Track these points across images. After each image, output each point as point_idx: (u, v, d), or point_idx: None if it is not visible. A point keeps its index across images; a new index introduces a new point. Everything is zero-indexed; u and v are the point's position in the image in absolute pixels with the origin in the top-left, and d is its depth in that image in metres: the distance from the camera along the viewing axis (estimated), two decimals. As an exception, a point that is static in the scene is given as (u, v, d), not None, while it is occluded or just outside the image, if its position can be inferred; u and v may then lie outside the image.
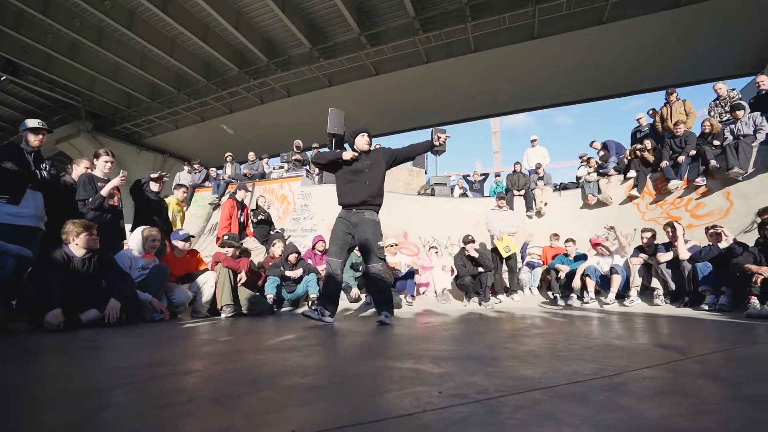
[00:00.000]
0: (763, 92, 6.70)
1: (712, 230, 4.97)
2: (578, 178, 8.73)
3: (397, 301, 5.64)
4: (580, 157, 9.33)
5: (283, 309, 5.39)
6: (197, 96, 18.41)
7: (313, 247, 6.28)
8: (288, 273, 5.36)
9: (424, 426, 0.98)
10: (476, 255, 6.05)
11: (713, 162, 6.30)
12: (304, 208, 8.22)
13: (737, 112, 6.52)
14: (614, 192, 7.84)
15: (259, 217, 6.88)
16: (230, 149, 11.38)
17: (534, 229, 8.04)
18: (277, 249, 5.66)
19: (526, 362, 1.81)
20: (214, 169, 11.07)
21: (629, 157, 7.85)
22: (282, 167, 9.59)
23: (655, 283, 5.23)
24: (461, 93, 17.95)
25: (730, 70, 14.99)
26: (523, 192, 8.59)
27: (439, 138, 3.52)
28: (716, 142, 6.53)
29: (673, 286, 5.04)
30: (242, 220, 6.25)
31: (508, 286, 6.53)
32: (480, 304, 5.96)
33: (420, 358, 1.94)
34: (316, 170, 9.63)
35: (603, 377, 1.49)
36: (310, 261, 6.03)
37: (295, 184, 8.77)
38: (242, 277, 4.57)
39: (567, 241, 6.48)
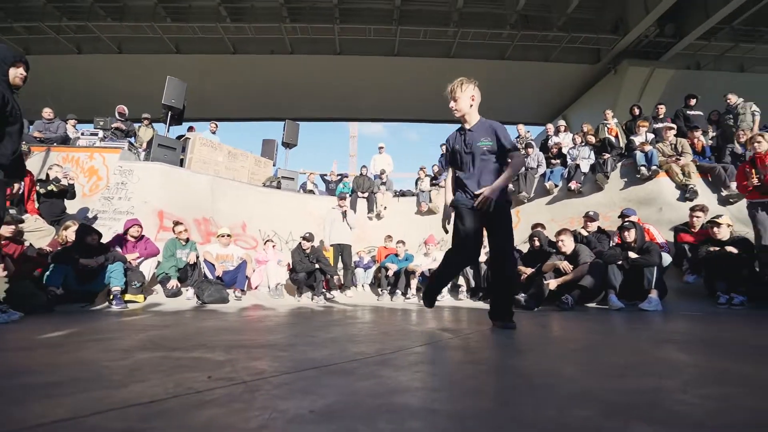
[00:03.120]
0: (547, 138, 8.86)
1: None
2: (416, 187, 9.76)
3: (224, 295, 5.25)
4: (421, 169, 10.43)
5: (72, 305, 4.38)
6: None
7: (125, 233, 5.33)
8: (84, 261, 4.39)
9: (161, 412, 0.89)
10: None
11: (510, 186, 7.86)
12: (120, 186, 6.85)
13: (529, 149, 8.30)
14: (442, 202, 9.01)
15: (48, 188, 5.44)
16: (21, 102, 8.72)
17: (372, 230, 8.60)
18: (70, 233, 4.60)
19: (320, 347, 1.87)
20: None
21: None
22: (95, 134, 7.81)
23: (461, 281, 6.21)
24: (323, 92, 18.04)
25: (529, 119, 19.42)
26: (366, 194, 9.13)
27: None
28: (513, 171, 8.20)
29: (473, 283, 6.07)
30: (21, 191, 4.88)
31: (342, 282, 6.78)
32: (312, 299, 6.03)
33: (212, 347, 1.81)
34: (144, 144, 8.24)
35: (381, 355, 1.64)
36: (118, 249, 5.10)
37: (111, 156, 7.24)
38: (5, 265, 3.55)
39: (398, 242, 7.13)
